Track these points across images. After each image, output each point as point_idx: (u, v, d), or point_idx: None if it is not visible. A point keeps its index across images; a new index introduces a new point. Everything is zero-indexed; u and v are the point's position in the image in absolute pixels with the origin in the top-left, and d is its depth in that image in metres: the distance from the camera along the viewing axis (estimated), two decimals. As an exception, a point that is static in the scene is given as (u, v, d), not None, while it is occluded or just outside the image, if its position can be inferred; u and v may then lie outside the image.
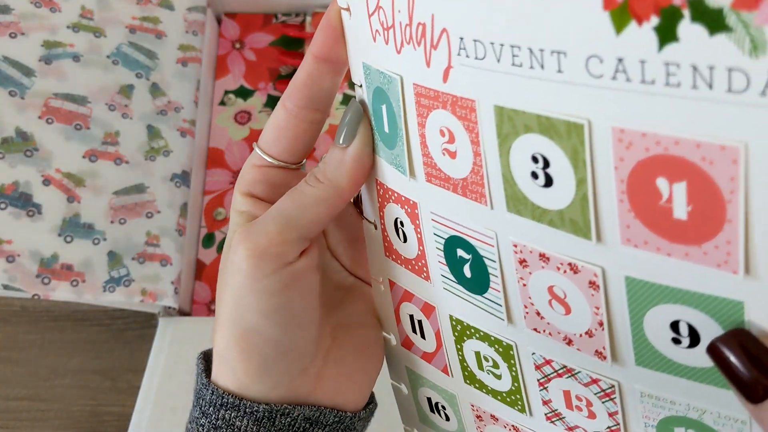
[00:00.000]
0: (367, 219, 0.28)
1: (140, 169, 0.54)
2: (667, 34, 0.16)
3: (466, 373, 0.27)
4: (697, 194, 0.17)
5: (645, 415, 0.23)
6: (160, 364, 0.52)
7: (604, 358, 0.22)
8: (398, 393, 0.31)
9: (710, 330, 0.19)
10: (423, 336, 0.27)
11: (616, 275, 0.20)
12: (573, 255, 0.21)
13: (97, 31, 0.57)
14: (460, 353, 0.26)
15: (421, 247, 0.25)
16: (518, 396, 0.25)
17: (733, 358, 0.18)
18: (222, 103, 0.65)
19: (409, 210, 0.25)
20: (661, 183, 0.18)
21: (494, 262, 0.23)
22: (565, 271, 0.21)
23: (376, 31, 0.22)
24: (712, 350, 0.19)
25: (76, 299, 0.50)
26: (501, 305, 0.23)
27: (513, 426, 0.26)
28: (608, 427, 0.24)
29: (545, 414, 0.25)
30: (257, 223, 0.26)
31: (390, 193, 0.25)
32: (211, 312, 0.58)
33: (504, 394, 0.26)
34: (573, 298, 0.21)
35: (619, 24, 0.16)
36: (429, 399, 0.29)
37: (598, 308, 0.21)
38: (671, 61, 0.16)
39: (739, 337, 0.18)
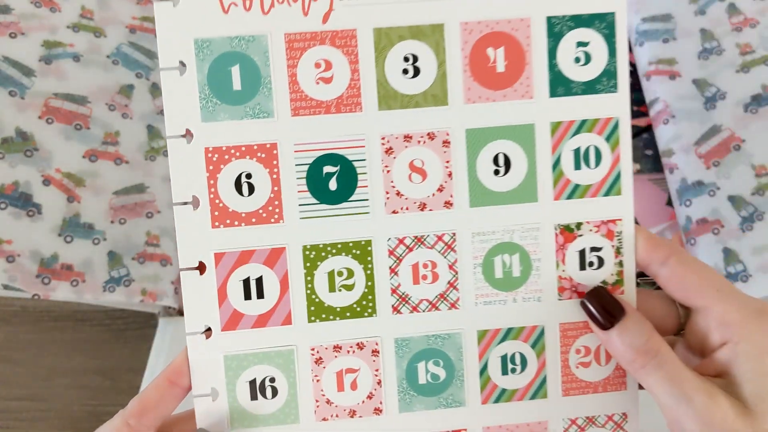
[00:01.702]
0: (179, 202, 0.30)
1: (140, 169, 0.54)
2: None
3: (312, 308, 0.31)
4: (510, 52, 0.30)
5: (474, 255, 0.31)
6: (160, 364, 0.52)
7: (451, 205, 0.31)
8: (202, 410, 0.31)
9: (517, 155, 0.31)
10: (260, 295, 0.31)
11: (459, 130, 0.30)
12: (431, 126, 0.30)
13: (97, 31, 0.57)
14: (309, 286, 0.31)
15: (275, 188, 0.30)
16: (369, 298, 0.31)
17: (591, 306, 0.30)
18: (222, 103, 0.65)
19: (263, 155, 0.30)
20: (490, 51, 0.30)
21: (363, 161, 0.30)
22: (424, 142, 0.30)
23: (231, 3, 0.29)
24: (582, 303, 0.31)
25: (76, 299, 0.50)
26: (366, 200, 0.30)
27: (357, 344, 0.31)
28: (448, 282, 0.31)
29: (392, 306, 0.31)
30: None
31: (233, 151, 0.30)
32: (211, 312, 0.58)
33: (354, 305, 0.31)
34: (430, 162, 0.30)
35: None
36: (252, 382, 0.31)
37: (448, 162, 0.30)
38: None
39: (593, 292, 0.31)
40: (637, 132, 0.61)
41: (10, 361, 0.59)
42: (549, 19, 0.30)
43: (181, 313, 0.56)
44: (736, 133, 0.54)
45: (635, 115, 0.62)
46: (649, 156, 0.60)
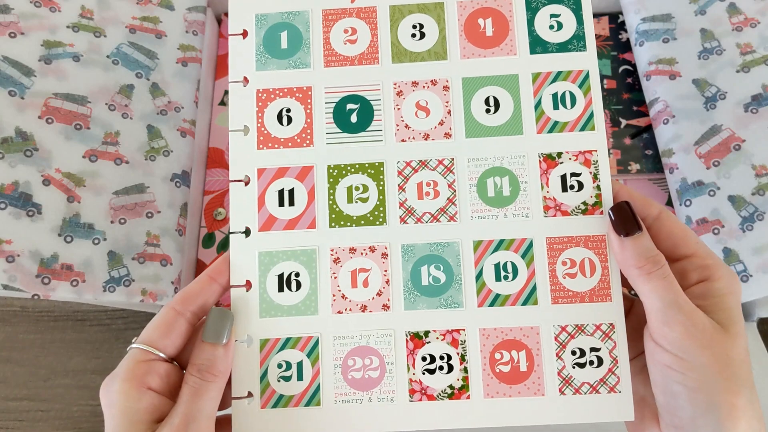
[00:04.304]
0: (234, 129, 0.38)
1: (140, 169, 0.54)
2: None
3: (333, 216, 0.37)
4: (496, 22, 0.38)
5: (470, 177, 0.37)
6: (160, 364, 0.52)
7: (450, 136, 0.37)
8: (237, 300, 0.37)
9: (504, 98, 0.38)
10: (291, 203, 0.37)
11: (457, 79, 0.38)
12: (433, 75, 0.38)
13: (97, 31, 0.57)
14: (332, 197, 0.37)
15: (308, 120, 0.38)
16: (381, 209, 0.37)
17: (613, 215, 0.35)
18: (222, 103, 0.65)
19: (300, 95, 0.38)
20: (480, 21, 0.38)
21: (378, 101, 0.38)
22: (428, 87, 0.38)
23: None
24: (609, 212, 0.35)
25: (76, 299, 0.50)
26: (380, 130, 0.37)
27: (370, 247, 0.37)
28: (448, 198, 0.37)
29: (399, 217, 0.37)
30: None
31: (277, 92, 0.38)
32: (211, 312, 0.58)
33: (368, 215, 0.37)
34: (433, 103, 0.38)
35: None
36: (280, 276, 0.37)
37: (448, 102, 0.38)
38: None
39: (619, 204, 0.35)
40: (637, 132, 0.61)
41: (10, 361, 0.59)
42: None
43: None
44: (737, 133, 0.54)
45: (635, 115, 0.62)
46: (649, 156, 0.60)
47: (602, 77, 0.64)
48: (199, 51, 0.61)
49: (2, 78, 0.51)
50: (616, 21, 0.66)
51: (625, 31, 0.66)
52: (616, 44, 0.65)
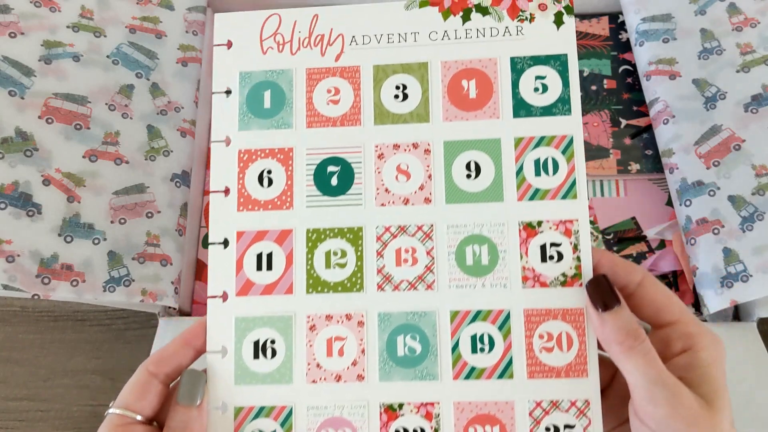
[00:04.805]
0: (215, 191, 0.38)
1: (140, 169, 0.54)
2: (467, 17, 0.38)
3: (311, 281, 0.37)
4: (480, 83, 0.37)
5: (449, 244, 0.36)
6: (160, 364, 0.52)
7: (430, 201, 0.37)
8: (212, 365, 0.36)
9: (485, 162, 0.37)
10: (269, 267, 0.37)
11: (438, 142, 0.37)
12: (415, 138, 0.37)
13: (97, 31, 0.57)
14: (310, 262, 0.37)
15: (288, 182, 0.37)
16: (358, 275, 0.36)
17: (591, 289, 0.34)
18: (222, 103, 0.65)
19: (282, 156, 0.38)
20: (464, 82, 0.38)
21: (359, 163, 0.37)
22: (409, 150, 0.37)
23: (269, 48, 0.39)
24: (586, 286, 0.35)
25: (76, 299, 0.50)
26: (360, 194, 0.37)
27: (346, 315, 0.36)
28: (426, 265, 0.36)
29: (377, 284, 0.36)
30: None
31: (259, 153, 0.38)
32: (211, 312, 0.58)
33: (345, 281, 0.36)
34: (413, 166, 0.37)
35: (445, 15, 0.38)
36: (256, 343, 0.36)
37: (428, 166, 0.37)
38: (469, 28, 0.38)
39: (596, 278, 0.35)
40: (637, 132, 0.61)
41: (10, 361, 0.59)
42: (512, 59, 0.38)
43: (181, 313, 0.56)
44: (737, 133, 0.54)
45: (635, 115, 0.62)
46: (649, 156, 0.60)
47: (602, 77, 0.64)
48: (199, 51, 0.61)
49: (2, 78, 0.51)
50: (616, 21, 0.66)
51: (625, 31, 0.66)
52: (616, 44, 0.65)
